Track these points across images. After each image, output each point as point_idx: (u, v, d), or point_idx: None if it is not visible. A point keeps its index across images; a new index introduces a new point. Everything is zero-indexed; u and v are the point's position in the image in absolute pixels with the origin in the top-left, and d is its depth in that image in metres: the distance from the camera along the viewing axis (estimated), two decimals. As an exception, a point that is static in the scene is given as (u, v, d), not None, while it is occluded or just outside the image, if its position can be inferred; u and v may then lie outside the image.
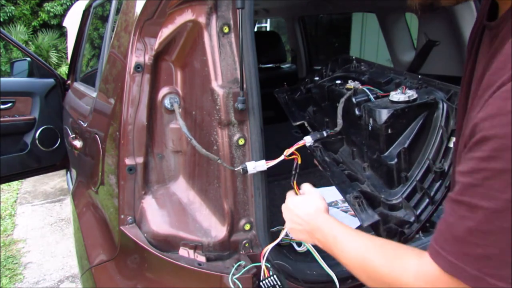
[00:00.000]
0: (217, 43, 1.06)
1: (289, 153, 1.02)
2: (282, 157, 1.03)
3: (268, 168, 1.08)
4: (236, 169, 1.03)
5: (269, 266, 1.06)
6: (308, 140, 1.08)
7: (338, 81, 1.58)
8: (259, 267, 1.05)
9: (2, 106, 2.66)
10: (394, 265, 0.62)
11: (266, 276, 1.04)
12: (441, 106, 1.21)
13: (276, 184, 2.04)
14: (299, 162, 1.05)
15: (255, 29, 6.04)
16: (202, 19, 1.05)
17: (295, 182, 1.07)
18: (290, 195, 1.03)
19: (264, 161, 1.03)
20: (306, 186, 1.04)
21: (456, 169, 0.55)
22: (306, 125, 1.70)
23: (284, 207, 1.00)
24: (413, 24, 2.67)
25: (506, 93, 0.45)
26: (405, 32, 2.66)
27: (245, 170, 1.01)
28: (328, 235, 0.82)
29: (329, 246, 0.81)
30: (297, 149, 1.07)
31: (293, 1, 2.96)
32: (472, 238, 0.48)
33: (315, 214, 0.90)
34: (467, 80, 0.72)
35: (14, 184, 4.48)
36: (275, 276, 1.04)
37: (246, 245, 1.13)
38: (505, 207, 0.45)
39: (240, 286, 1.01)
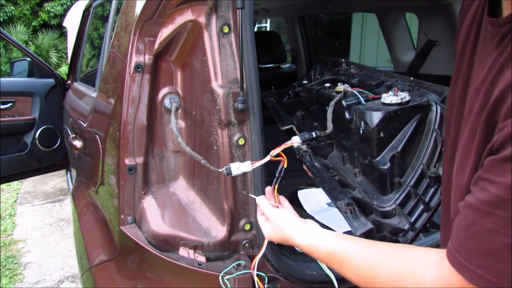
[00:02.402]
0: (217, 43, 1.06)
1: (275, 153, 0.96)
2: (268, 158, 0.97)
3: (268, 169, 1.07)
4: (220, 170, 0.97)
5: (263, 275, 1.04)
6: (296, 141, 1.02)
7: (327, 84, 1.54)
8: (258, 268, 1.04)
9: (2, 106, 2.66)
10: (405, 282, 0.59)
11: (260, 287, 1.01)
12: (434, 108, 1.18)
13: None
14: (285, 166, 0.98)
15: (255, 29, 6.04)
16: (202, 19, 1.05)
17: (276, 186, 0.99)
18: (261, 222, 0.94)
19: (249, 162, 0.97)
20: (264, 208, 0.93)
21: (482, 175, 0.51)
22: (295, 129, 1.66)
23: (261, 227, 0.94)
24: (413, 24, 2.67)
25: None
26: (405, 32, 2.66)
27: (229, 171, 0.95)
28: (322, 256, 0.76)
29: (326, 261, 0.76)
30: (289, 152, 1.01)
31: (293, 1, 2.96)
32: (508, 254, 0.47)
33: (295, 244, 0.84)
34: (462, 80, 0.68)
35: (14, 184, 4.47)
36: None
37: (246, 245, 1.13)
38: None
39: (229, 286, 1.00)
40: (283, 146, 0.98)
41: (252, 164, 0.97)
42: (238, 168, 0.95)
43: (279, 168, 0.99)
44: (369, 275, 0.65)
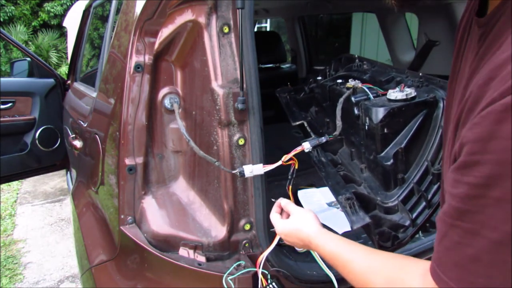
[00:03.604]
0: (217, 43, 1.06)
1: (287, 159, 1.03)
2: (279, 162, 1.04)
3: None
4: (233, 171, 1.03)
5: (266, 272, 1.06)
6: (306, 147, 1.09)
7: (339, 81, 1.55)
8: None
9: (2, 106, 2.66)
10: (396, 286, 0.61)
11: (264, 285, 1.04)
12: (441, 104, 1.18)
13: (276, 184, 2.03)
14: (296, 167, 1.05)
15: (255, 29, 6.04)
16: (202, 19, 1.05)
17: (290, 187, 1.06)
18: (276, 218, 0.99)
19: (261, 165, 1.03)
20: (289, 206, 0.99)
21: (445, 187, 0.51)
22: (306, 125, 1.68)
23: (274, 223, 0.99)
24: (413, 24, 2.68)
25: (496, 114, 0.41)
26: (405, 32, 2.67)
27: (242, 174, 1.01)
28: (328, 253, 0.81)
29: (332, 262, 0.80)
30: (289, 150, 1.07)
31: (293, 1, 2.96)
32: (473, 266, 0.46)
33: (307, 239, 0.88)
34: (456, 79, 0.68)
35: (14, 184, 4.47)
36: (273, 283, 1.04)
37: (246, 245, 1.14)
38: (506, 240, 0.43)
39: (233, 287, 1.01)
40: (293, 152, 1.05)
41: (264, 167, 1.03)
42: (251, 171, 1.02)
43: (291, 170, 1.06)
44: (365, 279, 0.68)
